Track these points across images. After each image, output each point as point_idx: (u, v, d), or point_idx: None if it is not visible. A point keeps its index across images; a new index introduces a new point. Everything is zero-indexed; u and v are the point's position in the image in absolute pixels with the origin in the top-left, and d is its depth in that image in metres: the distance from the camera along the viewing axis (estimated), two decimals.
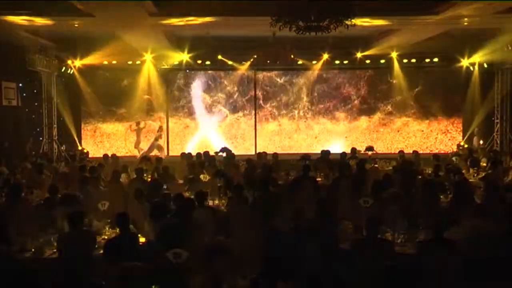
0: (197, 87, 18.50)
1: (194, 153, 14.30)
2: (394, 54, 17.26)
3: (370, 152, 15.49)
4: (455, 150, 16.95)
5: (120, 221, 6.35)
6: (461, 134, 18.29)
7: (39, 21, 12.96)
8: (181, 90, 18.53)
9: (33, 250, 6.44)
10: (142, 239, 6.74)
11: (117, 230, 6.97)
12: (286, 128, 18.92)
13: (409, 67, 17.85)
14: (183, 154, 13.80)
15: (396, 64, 17.71)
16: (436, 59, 17.60)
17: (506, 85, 17.51)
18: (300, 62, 17.51)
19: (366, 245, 5.93)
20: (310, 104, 18.76)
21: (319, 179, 11.67)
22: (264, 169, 11.34)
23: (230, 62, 17.45)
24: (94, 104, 17.92)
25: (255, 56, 15.96)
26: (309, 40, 12.57)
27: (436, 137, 18.45)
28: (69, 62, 17.15)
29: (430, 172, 11.52)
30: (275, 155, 13.36)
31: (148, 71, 17.58)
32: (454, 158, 13.18)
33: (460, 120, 18.39)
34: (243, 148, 18.69)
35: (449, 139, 18.35)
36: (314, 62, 17.64)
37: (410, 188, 8.79)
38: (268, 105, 18.82)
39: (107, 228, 7.34)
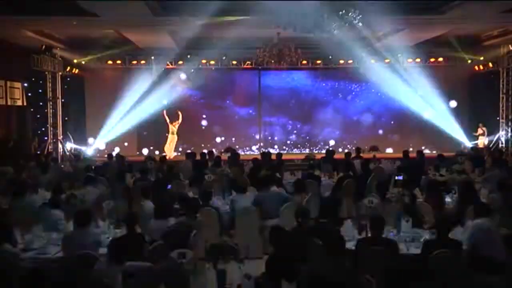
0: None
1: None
2: (399, 54, 17.23)
3: (374, 152, 15.47)
4: (460, 150, 16.89)
5: (127, 221, 6.36)
6: (466, 134, 18.22)
7: (45, 21, 13.03)
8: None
9: (37, 249, 6.45)
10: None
11: (122, 229, 6.99)
12: None
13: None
14: (187, 153, 13.81)
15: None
16: (441, 59, 17.56)
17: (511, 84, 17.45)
18: (304, 62, 17.51)
19: (371, 245, 5.92)
20: None
21: (324, 178, 11.65)
22: (268, 168, 11.33)
23: (234, 62, 17.47)
24: (99, 104, 17.98)
25: (260, 56, 15.97)
26: (313, 40, 12.61)
27: (441, 137, 18.38)
28: (74, 62, 17.21)
29: (434, 172, 11.49)
30: (279, 154, 13.35)
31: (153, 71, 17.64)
32: (459, 158, 13.13)
33: (465, 120, 18.34)
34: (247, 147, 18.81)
35: (454, 139, 18.25)
36: (318, 61, 17.63)
37: (414, 188, 8.78)
38: None
39: (111, 228, 7.34)
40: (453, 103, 17.84)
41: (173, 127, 17.22)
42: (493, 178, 9.97)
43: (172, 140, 17.28)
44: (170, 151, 17.16)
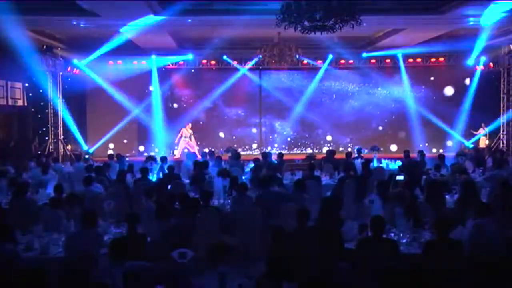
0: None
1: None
2: (399, 54, 17.25)
3: (375, 152, 15.45)
4: (461, 149, 16.88)
5: (129, 221, 6.37)
6: (467, 133, 18.21)
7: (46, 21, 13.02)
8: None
9: (38, 249, 6.46)
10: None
11: (123, 229, 6.99)
12: None
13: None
14: (188, 153, 13.81)
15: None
16: (441, 59, 17.56)
17: None
18: (304, 62, 17.51)
19: (371, 245, 5.92)
20: None
21: (324, 178, 11.65)
22: (269, 168, 11.32)
23: (235, 62, 17.50)
24: (100, 104, 17.99)
25: (260, 56, 16.01)
26: (314, 40, 12.59)
27: (442, 137, 18.37)
28: (75, 61, 17.22)
29: (435, 171, 11.47)
30: (280, 154, 13.36)
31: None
32: (459, 158, 13.13)
33: (465, 120, 18.32)
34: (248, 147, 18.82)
35: (455, 139, 18.23)
36: (319, 62, 17.65)
37: (415, 188, 8.78)
38: None
39: (112, 228, 7.35)
40: (449, 90, 17.87)
41: (186, 131, 17.33)
42: (494, 178, 9.98)
43: (182, 142, 17.40)
44: (179, 152, 17.25)
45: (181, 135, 17.34)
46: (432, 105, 18.26)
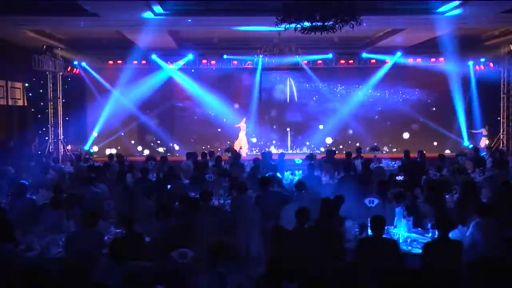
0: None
1: None
2: (399, 54, 17.25)
3: (375, 152, 15.45)
4: (461, 150, 16.87)
5: (124, 221, 6.37)
6: (467, 134, 18.19)
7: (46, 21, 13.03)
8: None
9: (38, 249, 6.46)
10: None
11: (122, 229, 6.99)
12: None
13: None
14: (188, 153, 13.80)
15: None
16: (441, 59, 17.55)
17: None
18: (304, 62, 17.51)
19: (371, 245, 5.92)
20: None
21: (324, 178, 11.64)
22: (269, 168, 11.32)
23: (235, 62, 17.49)
24: (100, 104, 17.99)
25: (261, 56, 16.02)
26: (314, 40, 12.60)
27: (442, 136, 18.36)
28: (75, 62, 17.22)
29: (435, 172, 11.48)
30: (281, 154, 13.36)
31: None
32: (459, 158, 13.13)
33: (466, 120, 18.31)
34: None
35: (454, 139, 18.23)
36: (319, 61, 17.64)
37: (415, 188, 8.78)
38: None
39: (112, 228, 7.35)
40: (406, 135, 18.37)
41: (244, 124, 17.85)
42: (494, 178, 9.98)
43: (242, 137, 17.73)
44: (244, 147, 17.53)
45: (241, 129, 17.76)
46: (431, 105, 18.26)
